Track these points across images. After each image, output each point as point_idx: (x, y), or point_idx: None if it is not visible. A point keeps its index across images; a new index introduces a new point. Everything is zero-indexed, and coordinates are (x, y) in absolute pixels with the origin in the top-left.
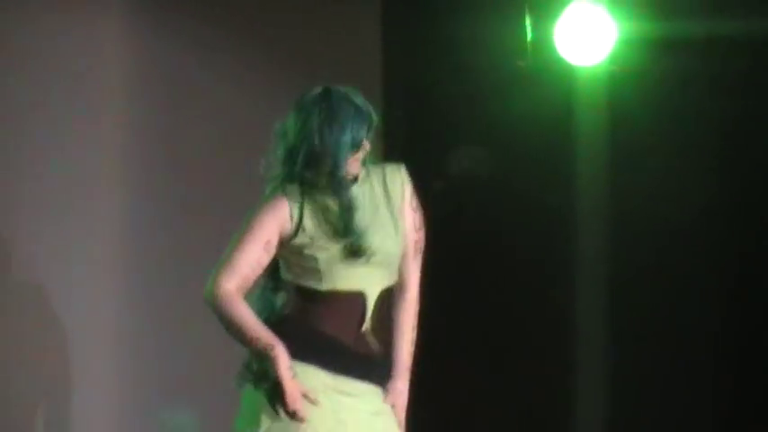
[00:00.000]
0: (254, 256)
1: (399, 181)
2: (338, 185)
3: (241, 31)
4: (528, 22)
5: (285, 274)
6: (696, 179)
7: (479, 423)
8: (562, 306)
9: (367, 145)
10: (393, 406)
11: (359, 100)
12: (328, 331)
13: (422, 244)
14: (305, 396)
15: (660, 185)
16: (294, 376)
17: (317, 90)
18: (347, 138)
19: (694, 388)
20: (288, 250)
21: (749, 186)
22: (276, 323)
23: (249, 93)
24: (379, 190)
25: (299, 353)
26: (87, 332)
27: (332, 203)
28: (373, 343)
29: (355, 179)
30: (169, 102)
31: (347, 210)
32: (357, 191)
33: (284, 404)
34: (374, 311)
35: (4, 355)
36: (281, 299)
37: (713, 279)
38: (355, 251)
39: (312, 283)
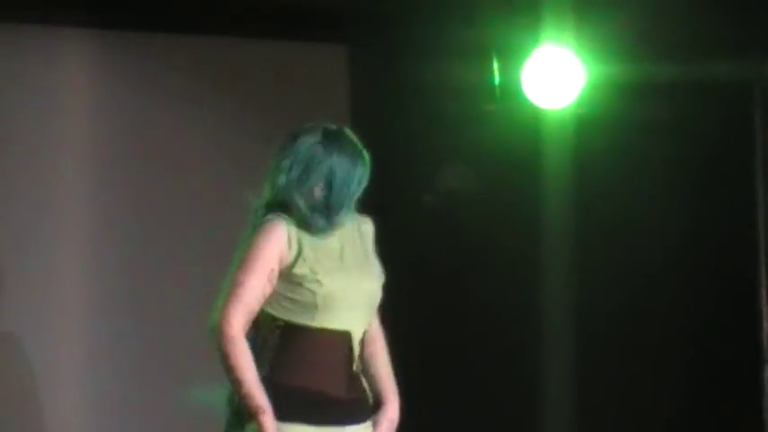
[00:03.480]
0: (259, 287)
1: (370, 227)
2: (334, 226)
3: (206, 78)
4: (495, 65)
5: (271, 311)
6: (662, 223)
7: None
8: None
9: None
10: None
11: (360, 144)
12: (314, 384)
13: None
14: None
15: (626, 229)
16: None
17: (323, 127)
18: (356, 183)
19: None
20: (285, 280)
21: (715, 231)
22: (264, 380)
23: (213, 136)
24: (356, 234)
25: (284, 414)
26: (58, 340)
27: (329, 242)
28: (364, 382)
29: None
30: (134, 144)
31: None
32: (345, 233)
33: None
34: (360, 352)
35: None
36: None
37: (678, 322)
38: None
39: (303, 320)
